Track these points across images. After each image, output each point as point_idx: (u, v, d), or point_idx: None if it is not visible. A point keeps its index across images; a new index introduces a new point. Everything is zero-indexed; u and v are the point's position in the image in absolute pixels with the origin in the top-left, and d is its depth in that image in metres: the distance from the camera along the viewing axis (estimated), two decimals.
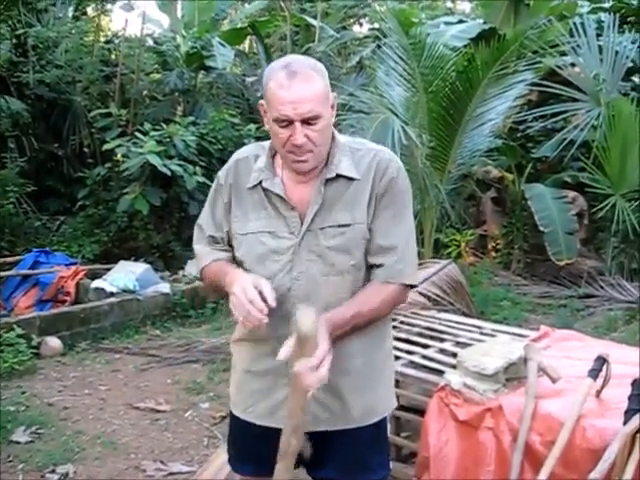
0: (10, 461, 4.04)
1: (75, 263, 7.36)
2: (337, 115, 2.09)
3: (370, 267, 2.05)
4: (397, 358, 3.20)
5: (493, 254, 9.32)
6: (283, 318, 1.97)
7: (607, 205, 7.54)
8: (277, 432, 2.03)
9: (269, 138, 2.03)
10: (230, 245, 2.14)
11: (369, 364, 2.09)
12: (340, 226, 1.99)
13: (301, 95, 1.87)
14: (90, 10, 12.21)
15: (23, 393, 5.06)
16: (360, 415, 2.09)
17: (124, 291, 6.76)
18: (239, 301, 1.85)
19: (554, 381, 2.84)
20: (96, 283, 6.86)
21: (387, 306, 2.06)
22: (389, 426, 2.62)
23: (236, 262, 2.10)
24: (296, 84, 1.87)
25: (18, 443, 4.25)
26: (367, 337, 2.07)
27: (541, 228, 8.00)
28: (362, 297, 2.00)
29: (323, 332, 1.81)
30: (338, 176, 2.00)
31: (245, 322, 1.87)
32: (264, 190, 2.04)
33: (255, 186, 2.05)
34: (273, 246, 2.01)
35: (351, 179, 2.01)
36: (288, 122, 1.89)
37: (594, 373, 2.76)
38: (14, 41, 9.45)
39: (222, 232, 2.13)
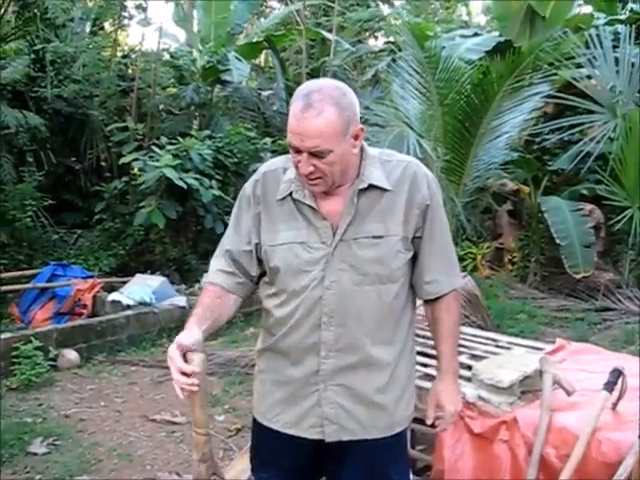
0: (27, 472, 4.06)
1: (92, 276, 7.40)
2: None
3: (412, 276, 2.12)
4: None
5: (509, 267, 9.27)
6: (312, 327, 2.00)
7: (624, 217, 7.50)
8: (303, 441, 2.05)
9: (287, 151, 2.03)
10: (259, 258, 2.11)
11: (397, 376, 2.09)
12: (374, 237, 1.99)
13: (309, 130, 1.86)
14: (107, 25, 12.34)
15: (40, 405, 5.08)
16: (384, 426, 2.09)
17: (140, 304, 6.79)
18: (170, 365, 1.97)
19: (569, 394, 2.83)
20: (113, 296, 6.90)
21: (460, 312, 2.26)
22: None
23: (270, 272, 2.08)
24: (307, 118, 1.85)
25: (35, 454, 4.27)
26: (396, 349, 2.08)
27: (558, 241, 7.93)
28: (445, 324, 2.15)
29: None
30: (370, 186, 2.00)
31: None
32: (294, 201, 2.03)
33: (285, 197, 2.04)
34: (306, 258, 2.00)
35: (383, 190, 2.01)
36: (298, 150, 1.91)
37: (610, 386, 2.75)
38: (32, 56, 9.52)
39: (248, 244, 2.10)
